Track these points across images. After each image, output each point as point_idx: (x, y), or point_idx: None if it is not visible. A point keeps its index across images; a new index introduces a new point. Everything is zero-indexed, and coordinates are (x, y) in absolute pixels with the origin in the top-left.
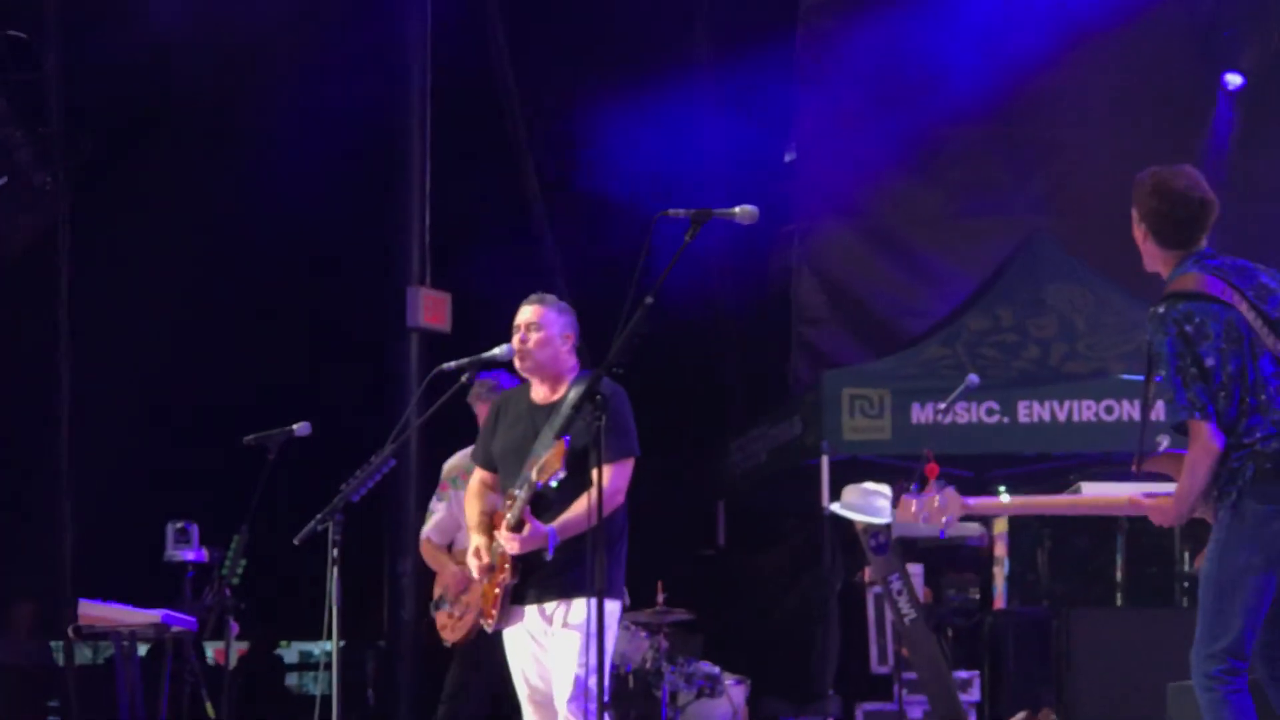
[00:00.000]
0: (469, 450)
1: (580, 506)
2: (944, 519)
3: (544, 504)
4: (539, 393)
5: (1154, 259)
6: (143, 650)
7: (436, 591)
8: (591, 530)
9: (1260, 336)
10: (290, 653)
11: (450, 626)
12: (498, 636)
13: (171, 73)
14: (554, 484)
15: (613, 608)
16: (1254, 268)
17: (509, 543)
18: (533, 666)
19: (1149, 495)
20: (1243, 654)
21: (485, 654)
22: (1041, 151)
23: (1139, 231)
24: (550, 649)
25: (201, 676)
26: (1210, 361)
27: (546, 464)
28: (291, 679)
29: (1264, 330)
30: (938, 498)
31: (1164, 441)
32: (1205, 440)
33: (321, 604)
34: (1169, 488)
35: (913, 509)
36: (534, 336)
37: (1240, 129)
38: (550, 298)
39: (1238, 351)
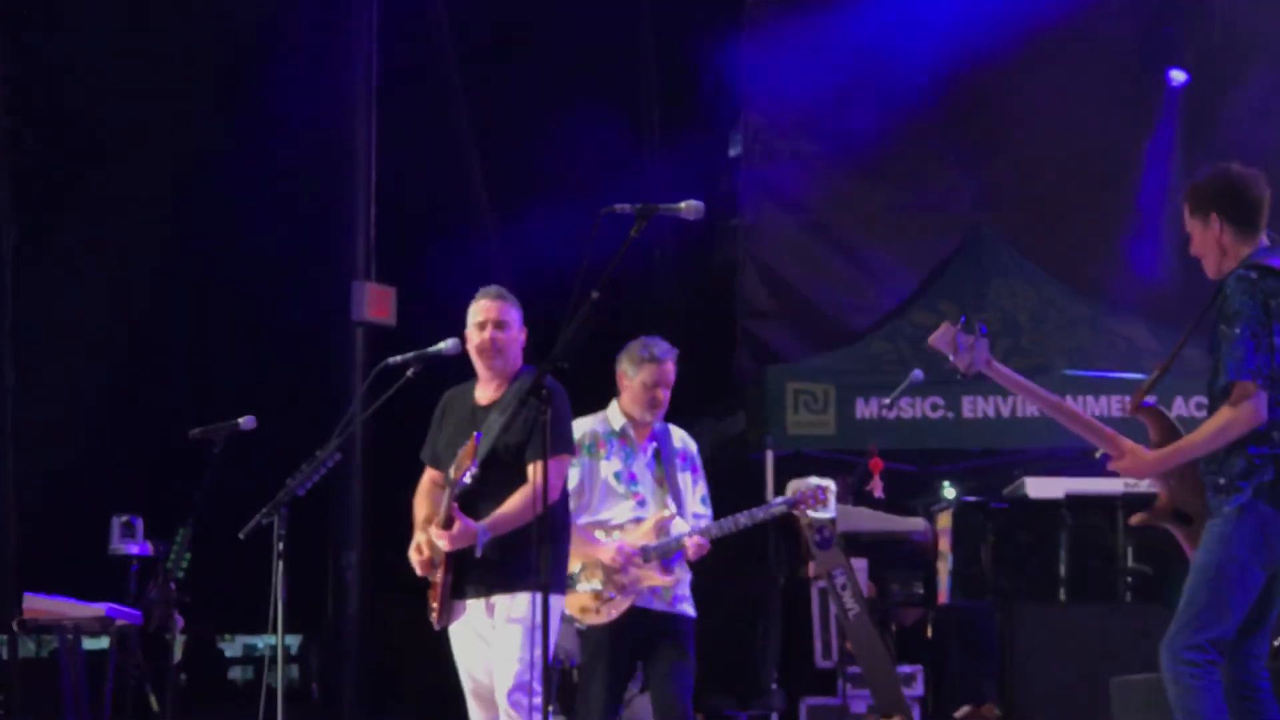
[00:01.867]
0: (600, 415)
1: (512, 503)
2: (967, 363)
3: (479, 500)
4: (483, 392)
5: (1229, 251)
6: (99, 644)
7: (572, 565)
8: (536, 524)
9: None
10: (234, 646)
11: (596, 608)
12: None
13: (117, 73)
14: (467, 479)
15: (555, 602)
16: None
17: (440, 539)
18: (476, 661)
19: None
20: (1225, 648)
21: (625, 637)
22: (986, 148)
23: (1210, 229)
24: (493, 643)
25: (146, 670)
26: (1277, 341)
27: (460, 461)
28: (236, 672)
29: None
30: (975, 341)
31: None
32: (1254, 407)
33: (266, 598)
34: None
35: (950, 337)
36: (502, 336)
37: (1184, 124)
38: (508, 293)
39: None
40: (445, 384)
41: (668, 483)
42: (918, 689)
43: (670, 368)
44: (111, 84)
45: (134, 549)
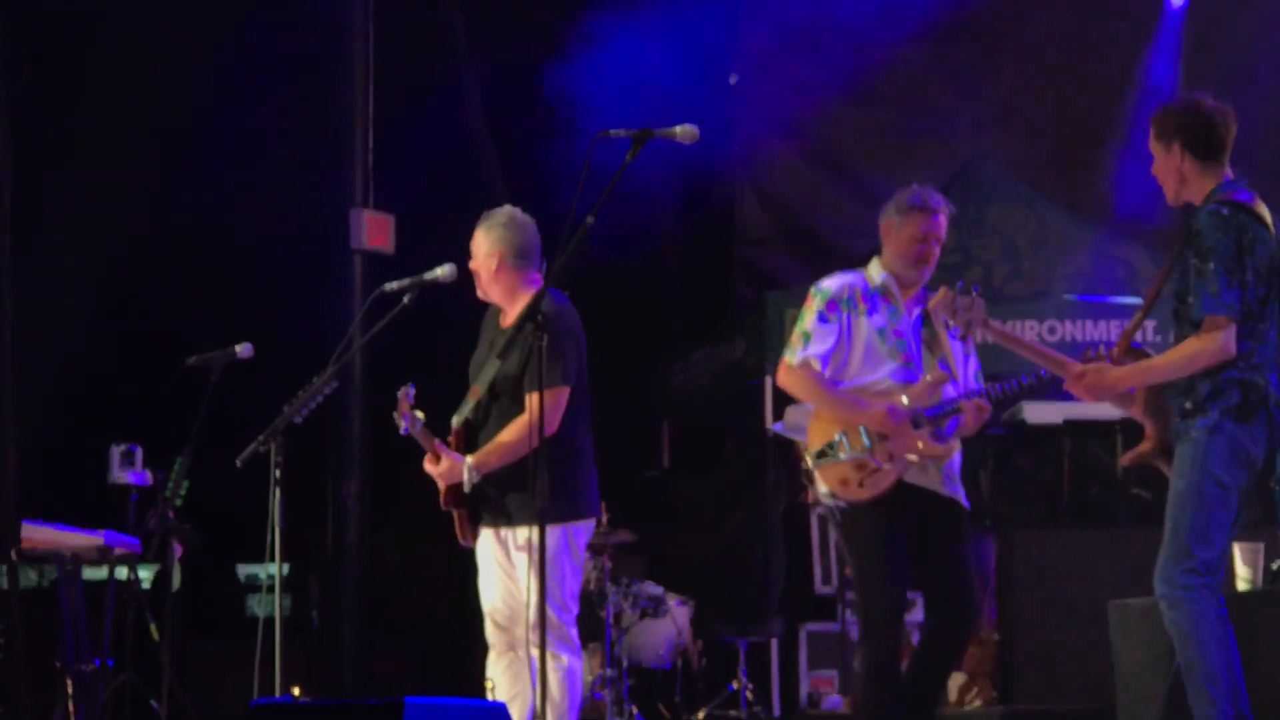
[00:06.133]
0: (857, 271)
1: (500, 438)
2: (965, 322)
3: (481, 431)
4: (505, 316)
5: (1189, 180)
6: (100, 574)
7: (818, 441)
8: (532, 456)
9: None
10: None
11: (860, 480)
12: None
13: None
14: (402, 432)
15: (578, 533)
16: None
17: (433, 474)
18: (491, 586)
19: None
20: (1219, 568)
21: (897, 511)
22: (983, 73)
23: (1171, 158)
24: (513, 575)
25: (145, 599)
26: (1249, 277)
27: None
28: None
29: None
30: (973, 301)
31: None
32: (1223, 340)
33: (265, 526)
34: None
35: (949, 301)
36: (472, 264)
37: (1186, 49)
38: (492, 215)
39: (1266, 281)
40: (443, 311)
41: (938, 347)
42: (917, 614)
43: (943, 220)
44: (106, 10)
45: (134, 478)
